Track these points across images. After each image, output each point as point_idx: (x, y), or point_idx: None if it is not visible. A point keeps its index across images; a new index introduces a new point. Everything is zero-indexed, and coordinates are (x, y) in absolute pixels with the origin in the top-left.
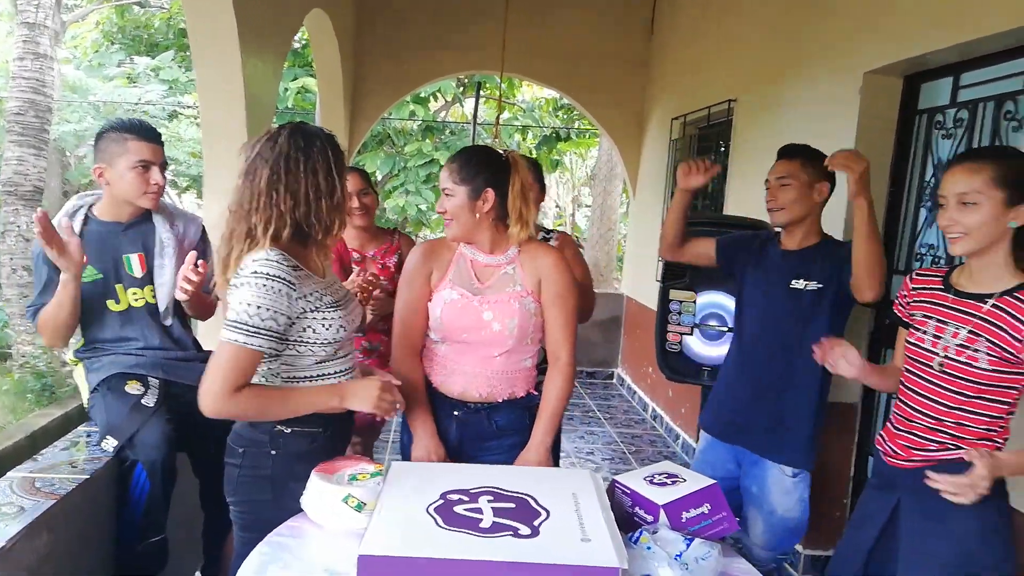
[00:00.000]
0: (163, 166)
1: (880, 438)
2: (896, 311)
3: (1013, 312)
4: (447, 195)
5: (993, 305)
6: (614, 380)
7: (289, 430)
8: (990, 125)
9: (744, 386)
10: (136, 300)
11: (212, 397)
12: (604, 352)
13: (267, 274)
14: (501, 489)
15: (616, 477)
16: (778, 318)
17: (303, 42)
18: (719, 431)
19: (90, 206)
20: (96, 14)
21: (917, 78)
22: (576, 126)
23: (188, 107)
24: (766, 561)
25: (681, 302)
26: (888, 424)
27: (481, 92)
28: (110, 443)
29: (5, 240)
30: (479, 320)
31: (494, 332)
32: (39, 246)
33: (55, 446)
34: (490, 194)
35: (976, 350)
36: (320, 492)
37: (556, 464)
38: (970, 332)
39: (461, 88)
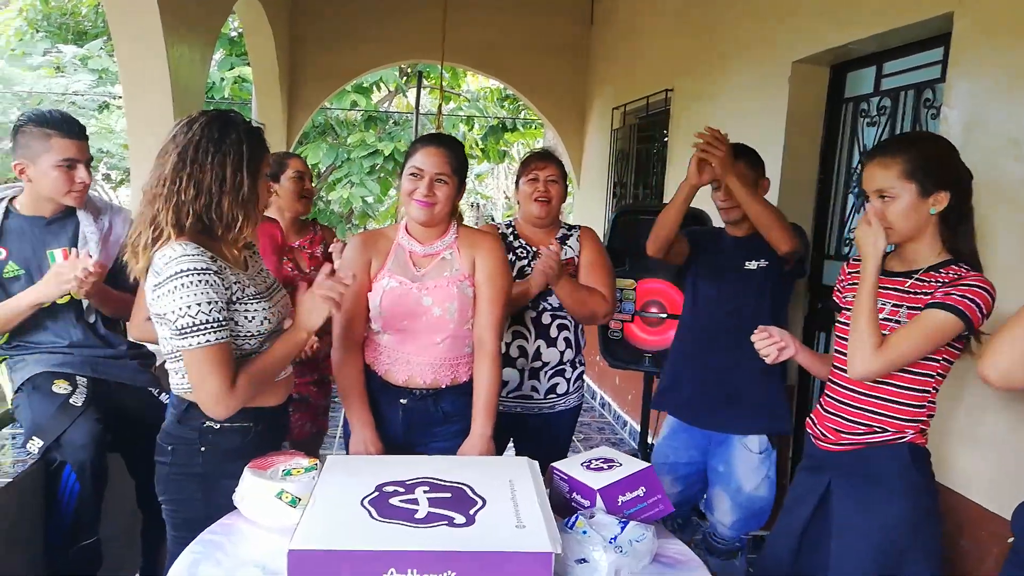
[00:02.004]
0: (88, 162)
1: (810, 421)
2: (835, 297)
3: (934, 282)
4: (441, 182)
5: (917, 279)
6: None
7: (218, 426)
8: (911, 113)
9: (703, 367)
10: (62, 297)
11: (215, 401)
12: None
13: (190, 270)
14: (438, 479)
15: (554, 464)
16: (734, 297)
17: (239, 31)
18: (689, 416)
19: (11, 199)
20: (19, 0)
21: (843, 67)
22: (522, 116)
23: (119, 97)
24: (731, 540)
25: (622, 290)
26: (818, 407)
27: (424, 82)
28: (35, 444)
29: None
30: (419, 306)
31: (435, 317)
32: None
33: None
34: (463, 187)
35: (898, 321)
36: (253, 488)
37: (502, 453)
38: (893, 306)
39: (404, 78)
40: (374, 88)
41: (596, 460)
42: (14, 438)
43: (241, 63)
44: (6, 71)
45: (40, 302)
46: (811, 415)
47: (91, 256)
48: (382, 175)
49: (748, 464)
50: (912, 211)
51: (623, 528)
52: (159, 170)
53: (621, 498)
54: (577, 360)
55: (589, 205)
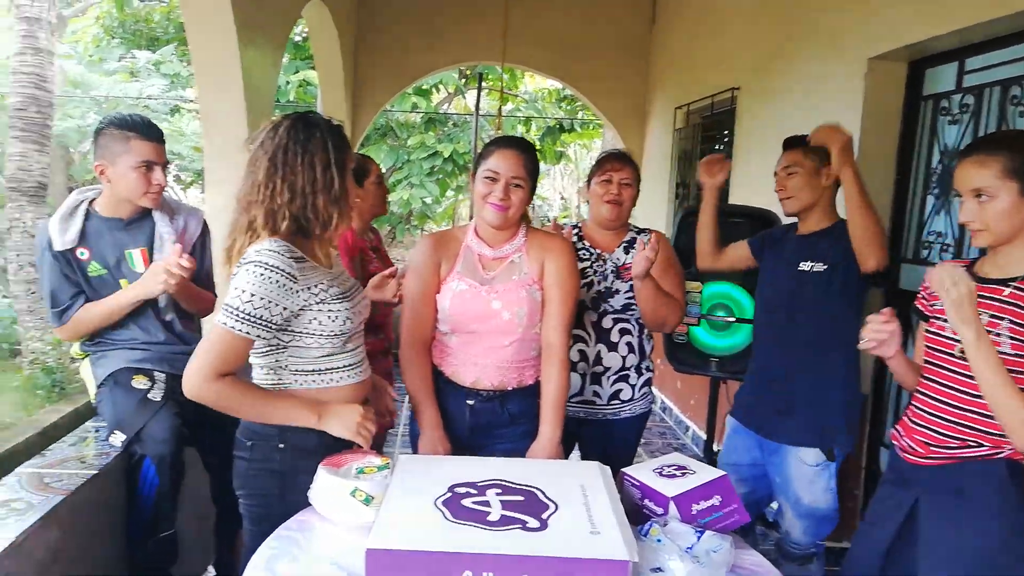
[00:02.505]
0: (165, 165)
1: (896, 433)
2: (918, 305)
3: None
4: (516, 186)
5: (1015, 288)
6: None
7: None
8: (996, 110)
9: (757, 371)
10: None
11: (193, 377)
12: None
13: (265, 263)
14: (509, 482)
15: (625, 469)
16: (784, 300)
17: (303, 35)
18: (741, 416)
19: (91, 200)
20: (96, 8)
21: (921, 63)
22: (580, 116)
23: (190, 101)
24: (805, 545)
25: (688, 292)
26: (904, 418)
27: (483, 83)
28: (118, 438)
29: (11, 236)
30: (488, 309)
31: (504, 321)
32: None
33: (63, 441)
34: (535, 190)
35: (998, 334)
36: (327, 486)
37: (567, 457)
38: (991, 316)
39: (463, 80)
40: (434, 90)
41: (669, 467)
42: (97, 431)
43: (306, 67)
44: (84, 76)
45: (141, 298)
46: (896, 426)
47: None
48: (440, 176)
49: (803, 477)
50: (1013, 212)
51: (699, 537)
52: (252, 177)
53: (695, 507)
54: (643, 366)
55: (649, 205)
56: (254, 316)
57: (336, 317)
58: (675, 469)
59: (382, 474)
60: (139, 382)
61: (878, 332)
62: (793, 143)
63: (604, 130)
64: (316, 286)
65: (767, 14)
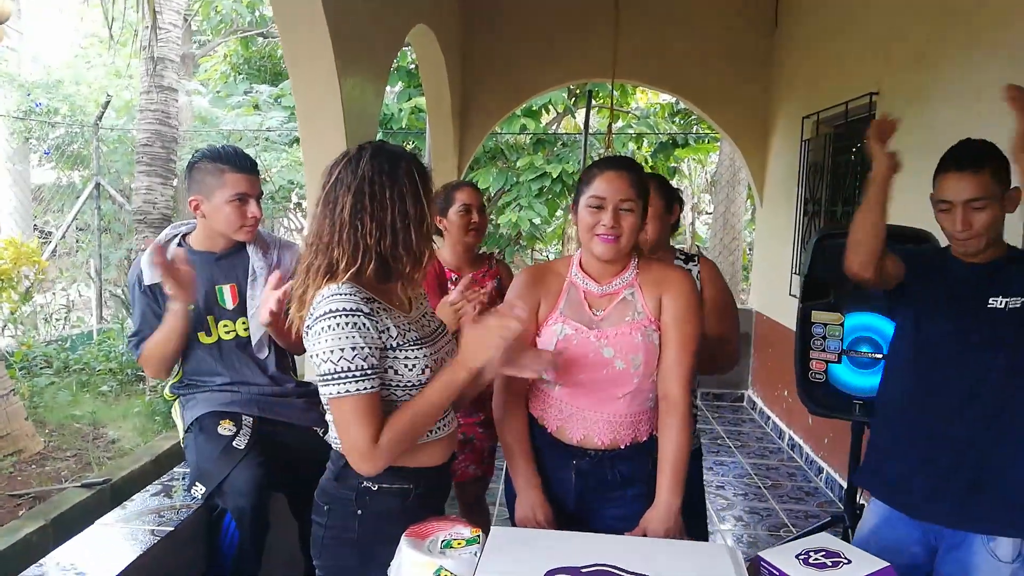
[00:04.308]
0: (259, 197)
1: None
2: None
3: None
4: (626, 210)
5: None
6: (744, 403)
7: (376, 487)
8: None
9: (930, 438)
10: (227, 333)
11: (360, 458)
12: (732, 372)
13: (342, 310)
14: (619, 569)
15: (763, 554)
16: (975, 345)
17: (415, 62)
18: (900, 501)
19: (184, 235)
20: (223, 47)
21: None
22: (694, 131)
23: None
24: None
25: (825, 325)
26: None
27: (593, 101)
28: (199, 490)
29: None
30: (599, 358)
31: (617, 371)
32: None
33: (147, 491)
34: (647, 214)
35: None
36: (410, 563)
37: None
38: None
39: (572, 99)
40: (543, 111)
41: (816, 552)
42: (183, 479)
43: (418, 94)
44: (211, 111)
45: (177, 310)
46: None
47: (258, 293)
48: (550, 197)
49: (993, 574)
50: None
51: None
52: (329, 216)
53: None
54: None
55: (774, 222)
56: (358, 368)
57: (414, 365)
58: (824, 556)
59: (471, 549)
60: (224, 428)
61: None
62: (974, 161)
63: (721, 144)
64: (391, 329)
65: (911, 8)
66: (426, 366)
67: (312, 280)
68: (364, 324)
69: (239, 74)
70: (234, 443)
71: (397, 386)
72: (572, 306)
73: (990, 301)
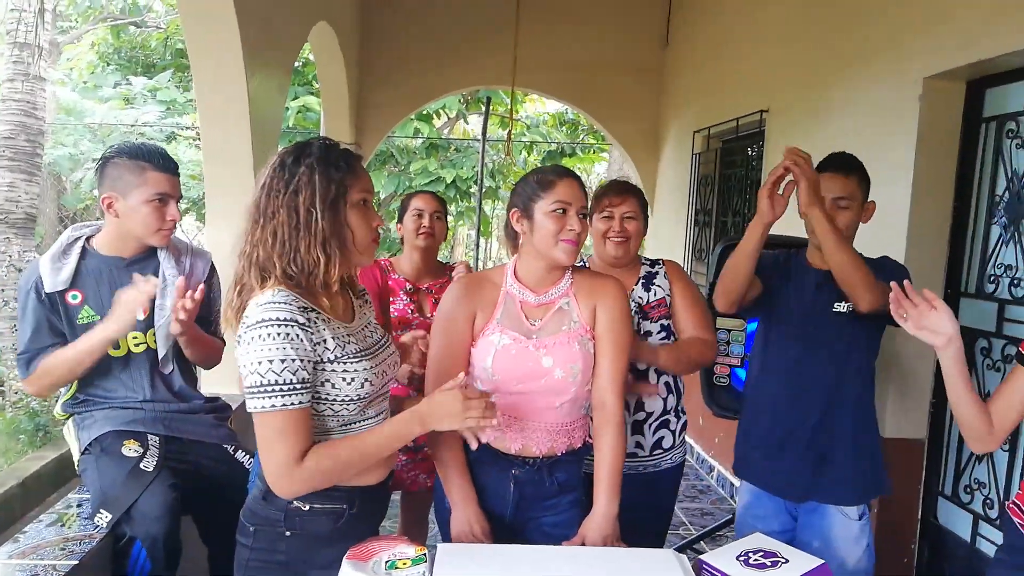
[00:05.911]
0: (179, 199)
1: (1015, 507)
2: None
3: None
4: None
5: None
6: None
7: (307, 507)
8: None
9: (785, 425)
10: (137, 345)
11: (278, 476)
12: None
13: (275, 319)
14: None
15: (703, 557)
16: (823, 344)
17: (303, 60)
18: (765, 482)
19: (88, 238)
20: (91, 35)
21: (981, 83)
22: (581, 140)
23: (186, 128)
24: None
25: (729, 331)
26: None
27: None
28: (103, 518)
29: None
30: (538, 367)
31: (556, 380)
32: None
33: (40, 521)
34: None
35: None
36: None
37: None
38: None
39: (465, 104)
40: (435, 115)
41: (754, 553)
42: (79, 506)
43: (305, 92)
44: (78, 103)
45: (112, 338)
46: (1015, 500)
47: (167, 303)
48: None
49: (848, 535)
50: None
51: None
52: (245, 225)
53: None
54: (680, 408)
55: (665, 231)
56: (286, 382)
57: (352, 379)
58: (762, 556)
59: (418, 569)
60: (129, 448)
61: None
62: (845, 166)
63: (608, 154)
64: (328, 341)
65: (800, 31)
66: (366, 379)
67: (233, 295)
68: (297, 335)
69: (108, 64)
70: (141, 465)
71: (334, 400)
72: (510, 317)
73: (835, 306)
